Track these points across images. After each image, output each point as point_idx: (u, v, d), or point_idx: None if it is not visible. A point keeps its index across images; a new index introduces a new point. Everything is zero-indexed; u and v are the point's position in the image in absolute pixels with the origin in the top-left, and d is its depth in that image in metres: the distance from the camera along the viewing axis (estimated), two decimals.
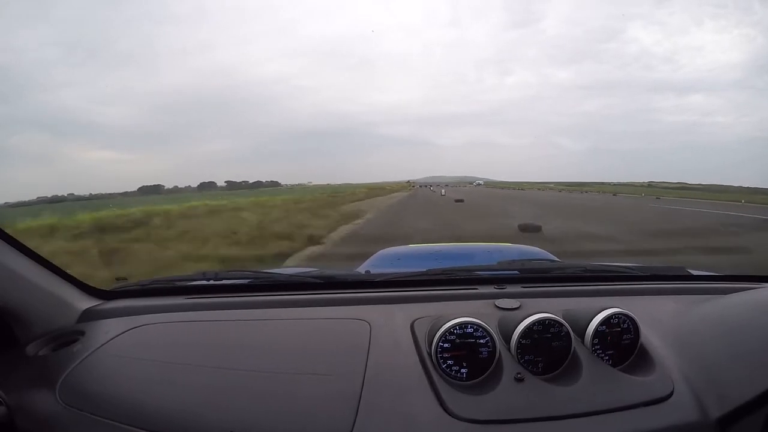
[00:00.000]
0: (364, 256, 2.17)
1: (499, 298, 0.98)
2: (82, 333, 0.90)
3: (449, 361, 0.77)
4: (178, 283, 1.15)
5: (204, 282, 1.13)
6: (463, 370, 0.77)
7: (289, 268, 1.52)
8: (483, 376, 0.77)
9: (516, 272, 1.21)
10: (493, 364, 0.78)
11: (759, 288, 1.09)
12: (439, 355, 0.77)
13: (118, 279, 1.32)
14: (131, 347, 0.86)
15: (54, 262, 0.96)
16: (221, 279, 1.13)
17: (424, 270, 1.17)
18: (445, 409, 0.70)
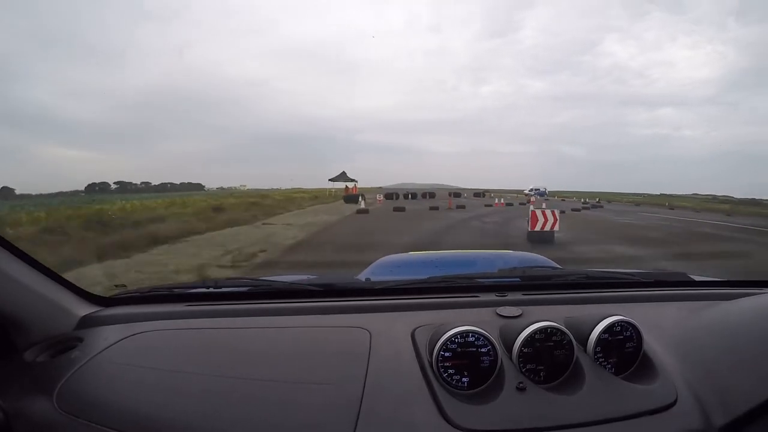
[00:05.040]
0: (364, 264, 2.17)
1: (500, 306, 0.98)
2: (81, 340, 0.90)
3: (450, 370, 0.77)
4: (177, 291, 1.14)
5: (203, 289, 1.13)
6: (464, 379, 0.76)
7: (288, 276, 1.52)
8: (484, 386, 0.76)
9: (517, 280, 1.20)
10: (495, 373, 0.77)
11: (762, 294, 1.09)
12: (440, 364, 0.77)
13: (117, 286, 1.31)
14: (130, 354, 0.86)
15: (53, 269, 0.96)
16: (220, 287, 1.13)
17: (425, 278, 1.17)
18: (446, 419, 0.69)
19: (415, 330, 0.89)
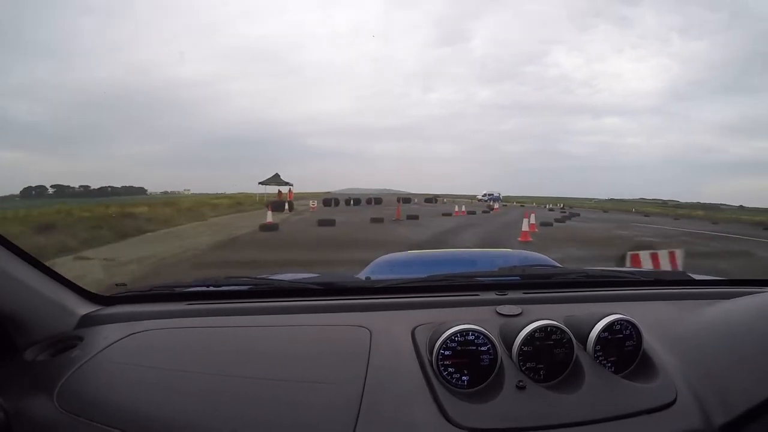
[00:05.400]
0: (366, 263, 2.17)
1: (500, 305, 0.98)
2: (81, 339, 0.90)
3: (450, 369, 0.77)
4: (178, 290, 1.14)
5: (204, 288, 1.13)
6: (464, 378, 0.76)
7: (289, 275, 1.52)
8: (484, 384, 0.76)
9: (517, 278, 1.20)
10: (495, 372, 0.77)
11: (762, 292, 1.09)
12: (440, 363, 0.77)
13: (117, 284, 1.31)
14: (130, 353, 0.86)
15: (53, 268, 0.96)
16: (221, 285, 1.13)
17: (425, 276, 1.17)
18: (446, 417, 0.69)
19: (415, 328, 0.89)
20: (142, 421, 0.69)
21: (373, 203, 31.49)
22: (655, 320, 0.95)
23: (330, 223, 13.45)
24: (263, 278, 1.23)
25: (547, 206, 36.55)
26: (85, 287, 1.05)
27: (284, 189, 30.29)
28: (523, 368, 0.78)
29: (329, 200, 28.86)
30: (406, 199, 40.59)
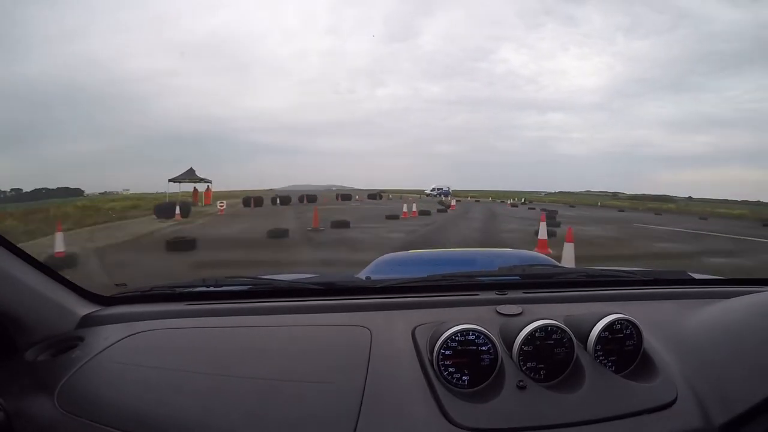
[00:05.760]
0: (366, 264, 2.17)
1: (500, 304, 0.97)
2: (81, 339, 0.90)
3: (450, 368, 0.77)
4: (178, 290, 1.14)
5: (204, 288, 1.13)
6: (464, 378, 0.76)
7: (289, 275, 1.52)
8: (485, 384, 0.76)
9: (517, 278, 1.20)
10: (495, 372, 0.77)
11: (762, 291, 1.08)
12: (440, 362, 0.77)
13: (117, 285, 1.31)
14: (130, 353, 0.86)
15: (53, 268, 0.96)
16: (221, 285, 1.13)
17: (425, 276, 1.17)
18: (447, 417, 0.69)
19: (415, 328, 0.89)
20: (143, 422, 0.69)
21: (305, 201, 26.91)
22: (656, 320, 0.95)
23: (188, 245, 8.14)
24: (263, 278, 1.23)
25: (509, 201, 31.55)
26: (85, 288, 1.05)
27: (201, 186, 25.22)
28: (524, 368, 0.78)
29: (249, 199, 23.61)
30: (345, 195, 34.90)
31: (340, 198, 31.66)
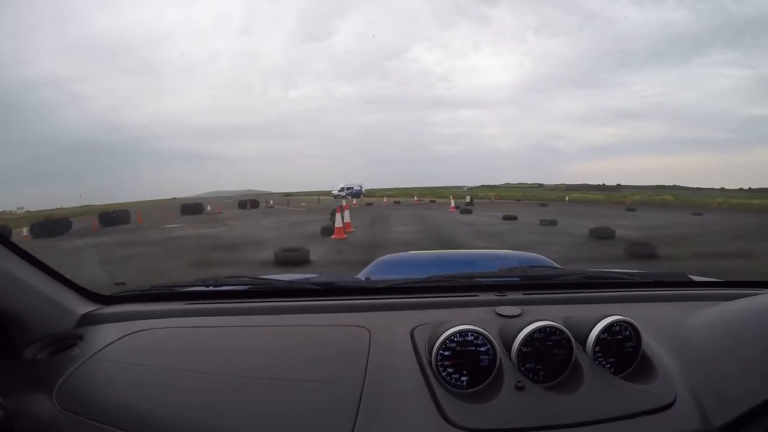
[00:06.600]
0: (364, 264, 2.17)
1: (499, 306, 0.98)
2: (81, 337, 0.90)
3: (449, 369, 0.77)
4: (178, 289, 1.15)
5: (203, 288, 1.13)
6: (463, 378, 0.76)
7: (289, 275, 1.52)
8: (483, 384, 0.76)
9: (517, 279, 1.20)
10: (494, 372, 0.77)
11: (761, 294, 1.09)
12: (439, 363, 0.77)
13: (117, 284, 1.31)
14: (130, 352, 0.86)
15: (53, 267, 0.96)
16: (221, 285, 1.13)
17: (425, 277, 1.17)
18: (445, 418, 0.69)
19: (414, 329, 0.89)
20: (142, 420, 0.69)
21: (194, 213, 21.33)
22: (655, 321, 0.95)
23: None
24: (263, 278, 1.23)
25: (451, 201, 22.32)
26: (85, 286, 1.05)
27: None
28: (523, 369, 0.78)
29: (106, 215, 17.64)
30: (253, 201, 27.20)
31: (251, 204, 24.97)
